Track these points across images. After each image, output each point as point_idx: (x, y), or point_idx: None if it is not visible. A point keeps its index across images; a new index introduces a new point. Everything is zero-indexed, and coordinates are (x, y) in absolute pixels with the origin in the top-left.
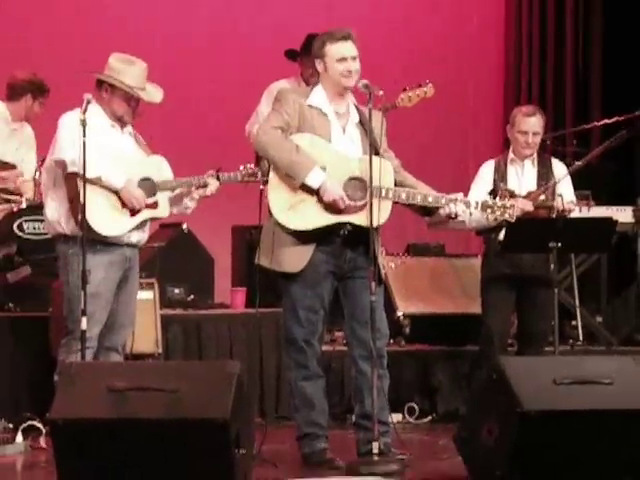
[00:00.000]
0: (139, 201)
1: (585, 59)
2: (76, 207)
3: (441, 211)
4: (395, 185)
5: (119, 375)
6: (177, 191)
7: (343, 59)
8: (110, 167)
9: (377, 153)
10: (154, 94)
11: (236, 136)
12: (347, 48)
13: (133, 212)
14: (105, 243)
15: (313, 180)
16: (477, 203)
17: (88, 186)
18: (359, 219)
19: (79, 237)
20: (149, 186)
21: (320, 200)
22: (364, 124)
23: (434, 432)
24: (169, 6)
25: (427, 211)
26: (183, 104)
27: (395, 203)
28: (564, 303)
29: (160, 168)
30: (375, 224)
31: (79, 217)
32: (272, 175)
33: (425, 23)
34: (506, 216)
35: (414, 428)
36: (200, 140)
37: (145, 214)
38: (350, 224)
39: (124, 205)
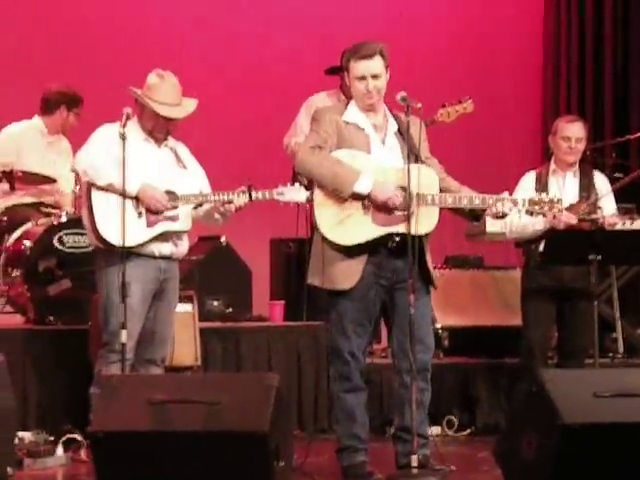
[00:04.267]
0: (159, 201)
1: (624, 70)
2: (91, 217)
3: (488, 211)
4: (440, 192)
5: (159, 387)
6: (206, 206)
7: (362, 78)
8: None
9: (417, 160)
10: (178, 110)
11: (274, 149)
12: (368, 66)
13: (152, 222)
14: (138, 255)
15: (363, 186)
16: (524, 200)
17: (103, 195)
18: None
19: (117, 249)
20: (171, 199)
21: (367, 213)
22: (402, 132)
23: (473, 445)
24: (208, 18)
25: (475, 215)
26: (221, 117)
27: (442, 209)
28: (604, 315)
29: (183, 181)
30: (424, 231)
31: (95, 228)
32: (316, 193)
33: (463, 36)
34: (555, 211)
35: (453, 441)
36: (237, 154)
37: (164, 226)
38: (399, 234)
39: (142, 215)
